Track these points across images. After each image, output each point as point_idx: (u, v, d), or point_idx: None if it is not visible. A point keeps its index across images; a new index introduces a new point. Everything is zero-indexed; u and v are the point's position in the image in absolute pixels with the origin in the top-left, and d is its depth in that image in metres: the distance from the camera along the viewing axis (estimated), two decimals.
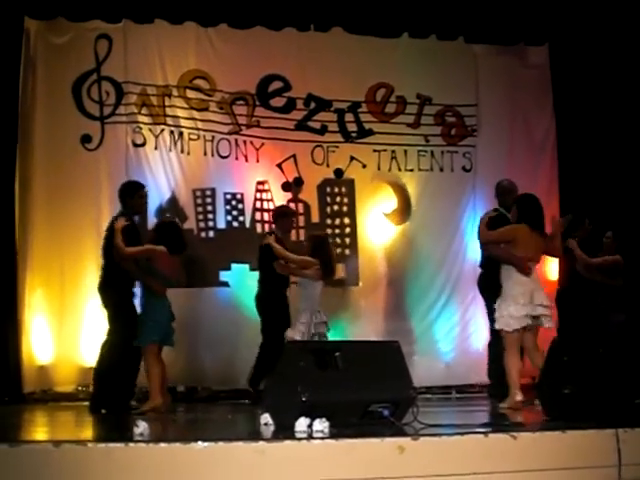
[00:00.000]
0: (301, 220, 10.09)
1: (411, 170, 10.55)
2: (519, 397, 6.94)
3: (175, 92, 9.97)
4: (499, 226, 7.51)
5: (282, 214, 9.21)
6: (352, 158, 10.35)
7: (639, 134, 10.26)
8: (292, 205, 10.04)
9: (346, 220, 10.30)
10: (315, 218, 10.21)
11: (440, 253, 10.30)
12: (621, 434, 4.29)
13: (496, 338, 7.68)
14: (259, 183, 10.08)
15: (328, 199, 10.29)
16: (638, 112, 10.23)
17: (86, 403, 8.11)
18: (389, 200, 10.44)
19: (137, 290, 7.78)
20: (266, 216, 10.04)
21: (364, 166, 10.40)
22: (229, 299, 9.75)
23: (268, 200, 10.10)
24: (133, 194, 7.89)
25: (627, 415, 4.76)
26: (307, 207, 10.17)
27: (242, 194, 10.05)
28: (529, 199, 7.46)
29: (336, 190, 10.34)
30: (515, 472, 4.17)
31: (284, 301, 8.77)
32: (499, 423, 5.39)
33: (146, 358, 7.37)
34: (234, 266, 9.69)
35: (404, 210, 10.47)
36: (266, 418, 5.14)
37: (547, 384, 5.45)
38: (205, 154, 10.04)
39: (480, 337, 9.72)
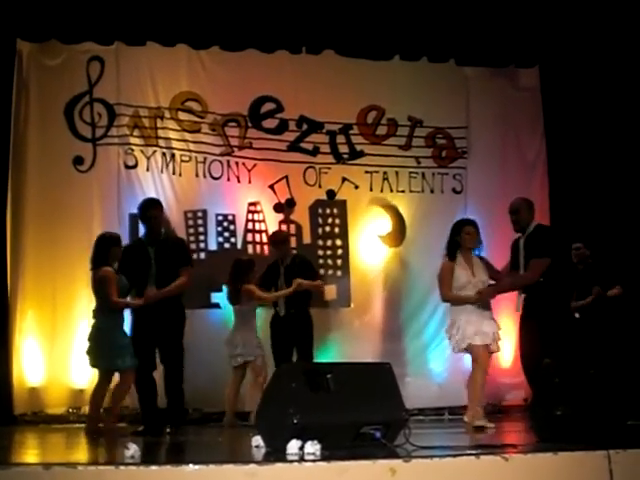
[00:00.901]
0: (293, 241, 10.10)
1: (402, 191, 10.59)
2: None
3: (167, 114, 10.00)
4: None
5: (281, 241, 9.31)
6: (344, 179, 10.38)
7: (629, 155, 10.30)
8: (284, 226, 10.07)
9: (338, 241, 10.32)
10: (307, 239, 10.23)
11: (432, 274, 10.13)
12: (613, 455, 4.28)
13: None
14: (251, 204, 10.10)
15: (320, 220, 10.30)
16: (628, 133, 10.28)
17: (77, 425, 8.07)
18: (384, 222, 10.46)
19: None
20: (258, 237, 10.05)
21: (356, 187, 10.43)
22: (220, 320, 9.73)
23: (260, 221, 10.12)
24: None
25: (619, 436, 4.76)
26: (299, 228, 10.19)
27: (234, 215, 10.07)
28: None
29: (328, 211, 10.36)
30: None
31: None
32: (491, 445, 5.37)
33: (131, 380, 7.49)
34: (225, 288, 9.68)
35: (399, 232, 10.50)
36: (257, 440, 5.12)
37: (539, 406, 5.45)
38: (197, 175, 10.06)
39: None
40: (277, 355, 8.93)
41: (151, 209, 7.89)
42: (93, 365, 7.69)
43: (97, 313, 7.63)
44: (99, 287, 7.55)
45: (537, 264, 7.45)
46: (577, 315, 9.41)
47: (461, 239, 7.48)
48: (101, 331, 7.55)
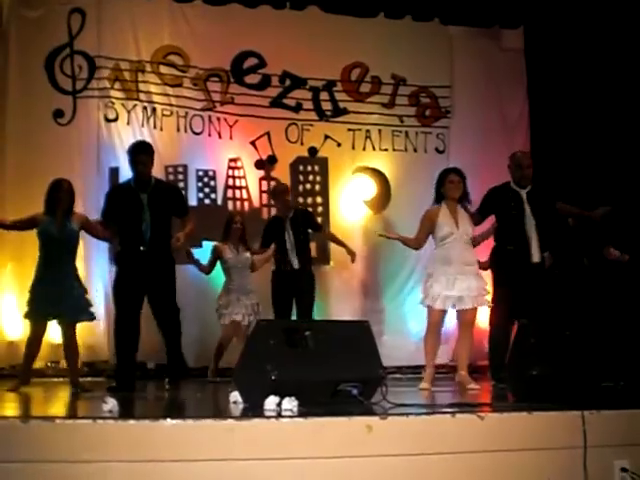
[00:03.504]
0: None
1: (385, 150, 10.60)
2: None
3: (148, 67, 9.93)
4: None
5: (283, 191, 9.25)
6: (327, 137, 10.36)
7: (612, 116, 10.30)
8: (264, 183, 10.05)
9: (318, 199, 10.31)
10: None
11: (411, 233, 10.29)
12: (587, 416, 4.33)
13: (499, 318, 7.72)
14: (231, 160, 10.07)
15: (301, 177, 10.30)
16: (611, 94, 10.27)
17: (56, 379, 8.05)
18: (369, 187, 10.43)
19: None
20: (238, 193, 10.03)
21: (339, 145, 10.42)
22: (200, 276, 9.72)
23: (240, 177, 10.10)
24: None
25: (593, 397, 4.81)
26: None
27: (214, 171, 10.04)
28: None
29: (309, 168, 10.35)
30: (482, 452, 4.21)
31: None
32: (467, 403, 5.41)
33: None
34: (205, 244, 9.66)
35: (384, 198, 10.49)
36: (235, 396, 5.14)
37: (514, 366, 5.49)
38: (178, 130, 10.01)
39: (450, 317, 9.75)
40: (278, 310, 8.88)
41: (140, 154, 7.59)
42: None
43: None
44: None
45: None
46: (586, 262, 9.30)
47: (445, 188, 7.33)
48: None
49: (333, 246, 10.17)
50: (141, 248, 7.40)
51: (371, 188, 10.45)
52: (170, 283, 7.58)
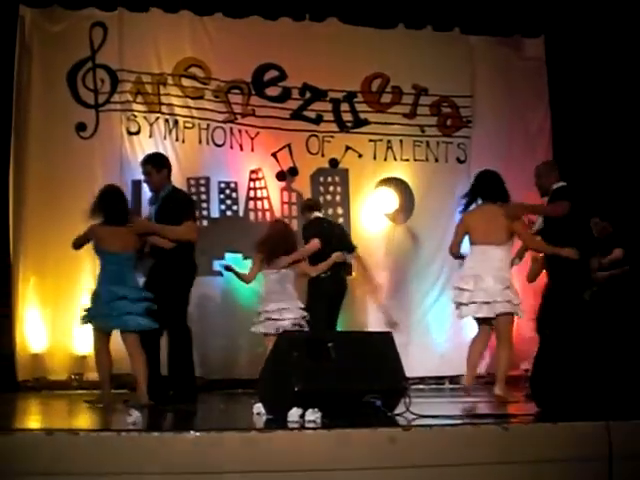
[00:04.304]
0: (294, 210, 10.09)
1: (407, 160, 10.57)
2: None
3: (170, 80, 9.95)
4: None
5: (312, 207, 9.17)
6: (347, 148, 10.35)
7: (634, 126, 10.26)
8: (286, 194, 10.07)
9: (339, 210, 10.30)
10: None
11: (434, 243, 10.28)
12: (612, 426, 4.30)
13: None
14: (252, 172, 10.08)
15: (321, 189, 10.28)
16: (634, 104, 10.23)
17: (79, 392, 8.07)
18: (390, 201, 10.41)
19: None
20: (260, 205, 10.05)
21: (360, 156, 10.41)
22: (223, 288, 9.75)
23: (261, 188, 10.10)
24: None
25: (619, 408, 4.77)
26: (300, 197, 10.15)
27: (236, 183, 10.05)
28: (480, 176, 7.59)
29: (329, 180, 10.35)
30: (506, 463, 4.19)
31: None
32: (491, 414, 5.39)
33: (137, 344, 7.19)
34: (228, 255, 9.68)
35: (406, 210, 10.47)
36: (259, 408, 5.15)
37: (540, 376, 5.47)
38: (200, 142, 10.03)
39: (474, 327, 9.73)
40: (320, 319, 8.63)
41: (146, 164, 7.65)
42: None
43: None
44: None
45: (560, 202, 7.48)
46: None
47: None
48: None
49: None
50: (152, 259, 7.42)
51: (393, 201, 10.41)
52: (178, 296, 7.48)
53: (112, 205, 7.23)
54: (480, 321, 7.39)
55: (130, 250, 7.18)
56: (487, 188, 7.55)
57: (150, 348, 7.26)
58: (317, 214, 9.00)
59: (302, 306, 8.26)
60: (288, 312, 8.12)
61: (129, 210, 7.51)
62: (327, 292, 8.73)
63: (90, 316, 7.09)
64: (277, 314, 8.11)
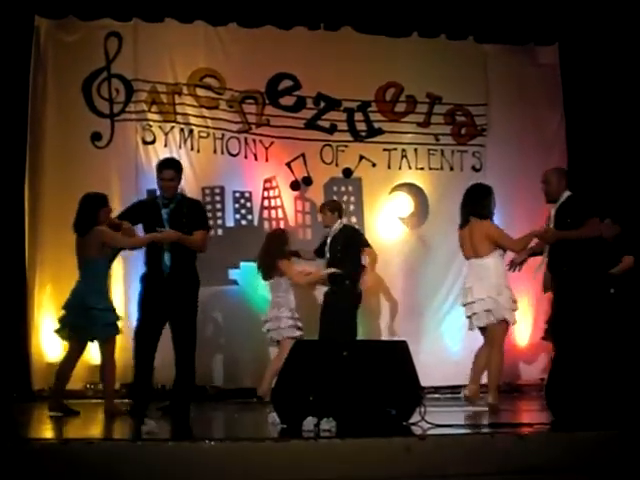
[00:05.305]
0: (308, 219, 10.10)
1: (422, 169, 10.56)
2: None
3: (185, 90, 9.99)
4: None
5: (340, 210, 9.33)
6: (361, 157, 10.35)
7: None
8: (299, 202, 10.08)
9: (353, 219, 10.29)
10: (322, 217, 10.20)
11: (449, 252, 10.21)
12: (624, 435, 4.29)
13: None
14: (266, 181, 10.10)
15: (335, 198, 10.28)
16: None
17: (94, 401, 8.07)
18: (405, 205, 10.41)
19: None
20: (274, 214, 10.06)
21: (374, 165, 10.40)
22: (238, 297, 9.76)
23: (275, 197, 10.12)
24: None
25: (632, 416, 4.76)
26: (314, 206, 10.16)
27: (250, 192, 10.07)
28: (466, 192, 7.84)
29: (343, 189, 10.35)
30: (522, 472, 4.17)
31: None
32: (506, 423, 5.37)
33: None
34: (243, 264, 9.70)
35: (421, 214, 10.46)
36: (273, 417, 5.15)
37: (555, 385, 5.45)
38: (215, 152, 10.06)
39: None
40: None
41: (164, 169, 7.52)
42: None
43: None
44: (104, 244, 7.36)
45: (592, 221, 7.38)
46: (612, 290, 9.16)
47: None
48: None
49: (369, 266, 10.14)
50: (163, 270, 7.31)
51: (408, 205, 10.42)
52: (190, 305, 7.37)
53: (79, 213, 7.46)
54: (482, 331, 7.49)
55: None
56: (471, 204, 7.79)
57: (146, 354, 7.22)
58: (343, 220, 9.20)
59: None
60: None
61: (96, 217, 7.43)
62: (352, 302, 8.90)
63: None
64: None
